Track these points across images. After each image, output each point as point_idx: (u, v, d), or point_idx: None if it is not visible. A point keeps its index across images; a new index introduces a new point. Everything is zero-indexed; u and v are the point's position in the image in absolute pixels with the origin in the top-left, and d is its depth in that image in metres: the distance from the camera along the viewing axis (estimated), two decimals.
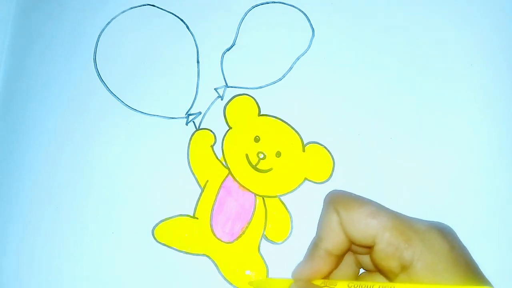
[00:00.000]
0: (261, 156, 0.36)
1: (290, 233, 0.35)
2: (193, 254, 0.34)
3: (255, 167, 0.36)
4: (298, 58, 0.37)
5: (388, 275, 0.29)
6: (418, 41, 0.37)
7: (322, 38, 0.38)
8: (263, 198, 0.35)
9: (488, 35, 0.37)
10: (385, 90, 0.36)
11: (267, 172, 0.35)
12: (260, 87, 0.37)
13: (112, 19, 0.39)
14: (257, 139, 0.36)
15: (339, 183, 0.35)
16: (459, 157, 0.35)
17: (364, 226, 0.27)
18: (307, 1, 0.38)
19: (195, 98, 0.37)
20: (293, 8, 0.38)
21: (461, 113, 0.36)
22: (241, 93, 0.37)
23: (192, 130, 0.36)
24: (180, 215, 0.35)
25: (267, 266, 0.34)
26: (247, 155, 0.36)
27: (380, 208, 0.28)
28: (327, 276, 0.30)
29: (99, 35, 0.38)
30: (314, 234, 0.34)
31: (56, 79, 0.38)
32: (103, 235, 0.35)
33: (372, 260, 0.29)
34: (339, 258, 0.30)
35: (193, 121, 0.37)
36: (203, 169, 0.36)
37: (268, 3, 0.38)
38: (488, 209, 0.34)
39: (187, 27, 0.38)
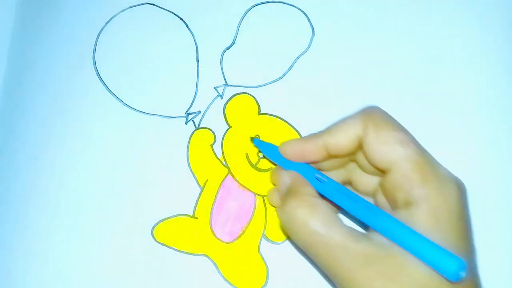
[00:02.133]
0: (261, 155, 0.35)
1: None
2: (193, 254, 0.34)
3: (255, 167, 0.35)
4: (298, 57, 0.37)
5: (391, 204, 0.28)
6: (418, 41, 0.37)
7: (322, 38, 0.38)
8: (263, 198, 0.35)
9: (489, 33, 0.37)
10: (385, 90, 0.36)
11: (267, 171, 0.35)
12: (260, 86, 0.37)
13: (112, 18, 0.39)
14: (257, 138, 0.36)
15: None
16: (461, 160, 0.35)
17: (388, 150, 0.27)
18: (307, 1, 0.38)
19: (194, 97, 0.37)
20: (293, 7, 0.38)
21: (463, 114, 0.36)
22: (241, 92, 0.37)
23: (192, 129, 0.36)
24: (180, 214, 0.35)
25: (267, 266, 0.34)
26: (247, 155, 0.36)
27: (411, 139, 0.27)
28: (312, 163, 0.30)
29: (98, 34, 0.38)
30: None
31: (55, 78, 0.38)
32: (102, 235, 0.35)
33: (381, 184, 0.28)
34: (329, 156, 0.30)
35: (192, 120, 0.36)
36: (203, 169, 0.35)
37: (268, 2, 0.38)
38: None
39: (187, 26, 0.38)
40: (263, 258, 0.34)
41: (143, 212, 0.35)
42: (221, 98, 0.37)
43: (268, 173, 0.35)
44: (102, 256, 0.34)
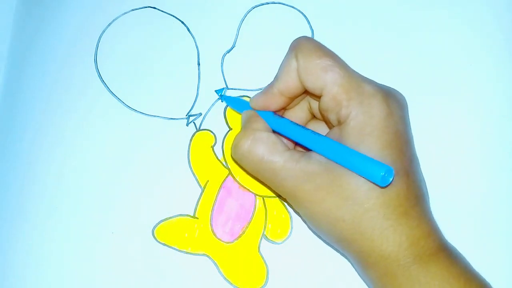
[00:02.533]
0: None
1: (290, 233, 0.35)
2: (193, 254, 0.35)
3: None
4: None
5: (328, 125, 0.32)
6: (419, 41, 0.38)
7: (321, 39, 0.38)
8: (263, 198, 0.35)
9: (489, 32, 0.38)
10: None
11: None
12: (260, 89, 0.37)
13: (113, 20, 0.39)
14: None
15: None
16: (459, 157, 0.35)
17: (316, 77, 0.29)
18: (307, 2, 0.38)
19: (195, 99, 0.37)
20: (293, 9, 0.38)
21: (464, 115, 0.36)
22: (242, 94, 0.37)
23: (193, 130, 0.37)
24: (180, 215, 0.35)
25: (267, 266, 0.34)
26: None
27: (336, 64, 0.29)
28: (278, 112, 0.33)
29: (100, 36, 0.39)
30: (313, 234, 0.34)
31: (57, 79, 0.38)
32: (103, 235, 0.35)
33: (319, 108, 0.31)
34: (290, 99, 0.32)
35: (193, 122, 0.37)
36: (204, 169, 0.36)
37: (267, 3, 0.39)
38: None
39: (188, 29, 0.39)
40: (263, 258, 0.34)
41: (144, 212, 0.35)
42: (222, 101, 0.37)
43: None
44: (103, 255, 0.35)
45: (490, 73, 0.37)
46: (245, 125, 0.32)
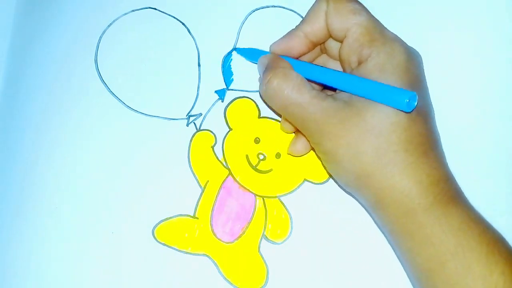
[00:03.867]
0: (261, 157, 0.36)
1: (290, 233, 0.35)
2: (193, 254, 0.35)
3: (255, 168, 0.36)
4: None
5: (345, 68, 0.33)
6: (418, 43, 0.38)
7: None
8: (263, 199, 0.35)
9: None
10: None
11: (267, 173, 0.36)
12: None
13: (114, 21, 0.39)
14: (257, 141, 0.36)
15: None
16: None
17: (343, 19, 0.31)
18: (307, 5, 0.38)
19: (196, 100, 0.37)
20: (293, 12, 0.39)
21: (465, 116, 0.37)
22: (242, 96, 0.37)
23: (193, 131, 0.37)
24: (181, 215, 0.35)
25: (267, 266, 0.34)
26: (247, 156, 0.36)
27: (364, 9, 0.31)
28: (297, 57, 0.34)
29: (100, 37, 0.39)
30: (314, 234, 0.34)
31: (57, 80, 0.38)
32: (103, 235, 0.35)
33: (339, 53, 0.32)
34: (313, 44, 0.33)
35: (194, 122, 0.37)
36: (204, 170, 0.36)
37: (268, 7, 0.39)
38: None
39: (188, 30, 0.39)
40: (263, 258, 0.34)
41: (144, 212, 0.35)
42: (222, 101, 0.37)
43: (268, 175, 0.36)
44: (103, 255, 0.35)
45: (491, 74, 0.37)
46: (272, 65, 0.32)
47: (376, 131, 0.29)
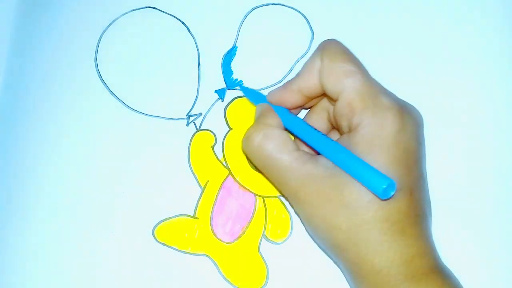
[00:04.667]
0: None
1: (290, 233, 0.35)
2: (193, 254, 0.35)
3: (255, 168, 0.36)
4: (297, 61, 0.38)
5: (339, 132, 0.32)
6: (418, 43, 0.38)
7: (321, 41, 0.38)
8: (263, 199, 0.35)
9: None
10: None
11: None
12: (260, 89, 0.37)
13: (113, 20, 0.39)
14: None
15: None
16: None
17: (336, 80, 0.30)
18: (307, 4, 0.39)
19: (195, 100, 0.37)
20: (293, 10, 0.39)
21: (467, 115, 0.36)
22: (242, 95, 0.37)
23: (193, 131, 0.37)
24: (181, 215, 0.35)
25: (267, 266, 0.34)
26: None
27: (358, 71, 0.30)
28: (294, 111, 0.34)
29: (100, 37, 0.39)
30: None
31: (57, 80, 0.38)
32: (103, 235, 0.35)
33: (333, 113, 0.31)
34: (307, 99, 0.33)
35: (193, 122, 0.37)
36: (204, 170, 0.36)
37: (268, 5, 0.39)
38: None
39: (188, 29, 0.39)
40: (263, 258, 0.34)
41: (144, 212, 0.35)
42: (222, 101, 0.37)
43: None
44: (103, 256, 0.35)
45: (492, 77, 0.37)
46: (258, 119, 0.32)
47: (351, 208, 0.28)
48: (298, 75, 0.32)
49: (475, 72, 0.37)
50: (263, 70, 0.38)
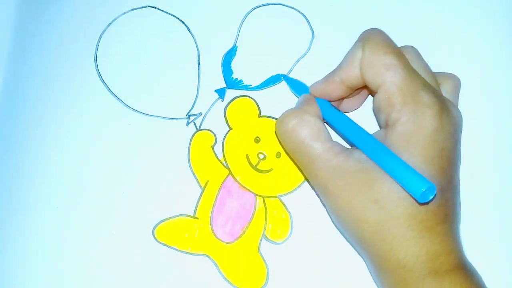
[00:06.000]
0: (262, 156, 0.36)
1: (290, 233, 0.35)
2: (193, 254, 0.35)
3: (255, 168, 0.36)
4: (298, 60, 0.38)
5: (378, 122, 0.32)
6: (418, 43, 0.38)
7: (322, 40, 0.38)
8: (263, 198, 0.35)
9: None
10: None
11: (267, 172, 0.36)
12: (260, 89, 0.37)
13: (114, 20, 0.39)
14: (257, 140, 0.36)
15: None
16: None
17: (376, 73, 0.29)
18: (307, 3, 0.38)
19: (195, 99, 0.37)
20: (293, 10, 0.39)
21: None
22: (242, 94, 0.37)
23: (193, 130, 0.37)
24: (181, 215, 0.35)
25: (267, 266, 0.34)
26: (247, 156, 0.36)
27: (400, 64, 0.29)
28: (337, 101, 0.33)
29: (100, 36, 0.39)
30: (314, 234, 0.34)
31: (57, 79, 0.38)
32: (103, 235, 0.35)
33: (373, 104, 0.31)
34: (350, 89, 0.32)
35: (193, 122, 0.37)
36: (204, 169, 0.36)
37: (268, 4, 0.39)
38: None
39: (188, 29, 0.39)
40: (263, 258, 0.34)
41: (144, 212, 0.35)
42: (222, 101, 0.37)
43: (269, 174, 0.36)
44: (103, 256, 0.35)
45: (492, 76, 0.37)
46: (298, 105, 0.32)
47: (380, 203, 0.28)
48: (340, 65, 0.31)
49: (475, 71, 0.37)
50: (263, 70, 0.38)
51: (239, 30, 0.38)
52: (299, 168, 0.33)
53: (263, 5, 0.39)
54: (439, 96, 0.29)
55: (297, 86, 0.36)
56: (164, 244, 0.35)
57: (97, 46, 0.39)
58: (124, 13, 0.39)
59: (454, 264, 0.28)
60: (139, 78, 0.38)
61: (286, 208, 0.35)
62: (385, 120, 0.29)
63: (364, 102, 0.35)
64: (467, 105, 0.36)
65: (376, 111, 0.30)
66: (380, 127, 0.32)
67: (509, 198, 0.35)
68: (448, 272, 0.28)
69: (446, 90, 0.32)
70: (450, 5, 0.38)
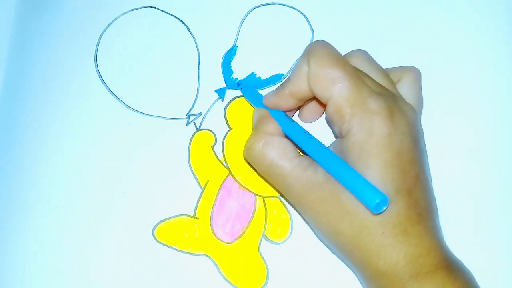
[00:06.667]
0: None
1: (290, 233, 0.35)
2: (193, 254, 0.35)
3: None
4: (298, 60, 0.38)
5: (333, 133, 0.33)
6: (418, 43, 0.38)
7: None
8: (263, 198, 0.35)
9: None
10: None
11: None
12: (260, 89, 0.37)
13: (113, 20, 0.39)
14: None
15: None
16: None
17: (324, 87, 0.29)
18: (307, 3, 0.38)
19: (195, 99, 0.37)
20: (293, 9, 0.39)
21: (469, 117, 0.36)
22: (242, 95, 0.37)
23: (193, 130, 0.37)
24: (181, 215, 0.35)
25: (267, 266, 0.34)
26: None
27: (346, 76, 0.29)
28: (291, 112, 0.34)
29: (100, 36, 0.39)
30: (314, 234, 0.34)
31: (57, 79, 0.38)
32: (103, 235, 0.35)
33: (325, 116, 0.31)
34: (301, 101, 0.32)
35: (193, 122, 0.37)
36: (204, 169, 0.36)
37: (268, 4, 0.39)
38: None
39: (188, 29, 0.39)
40: (263, 258, 0.34)
41: (144, 212, 0.35)
42: (222, 101, 0.37)
43: None
44: (103, 256, 0.35)
45: (492, 75, 0.37)
46: (258, 126, 0.32)
47: (351, 213, 0.28)
48: (288, 79, 0.32)
49: (475, 71, 0.37)
50: (263, 70, 0.38)
51: (239, 30, 0.38)
52: (275, 190, 0.34)
53: (263, 5, 0.39)
54: (388, 99, 0.29)
55: (252, 96, 0.36)
56: (164, 244, 0.35)
57: (97, 46, 0.39)
58: (124, 13, 0.39)
59: (435, 264, 0.28)
60: (139, 78, 0.38)
61: (286, 208, 0.35)
62: (339, 132, 0.30)
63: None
64: (467, 105, 0.36)
65: (330, 123, 0.31)
66: (335, 138, 0.32)
67: (509, 198, 0.35)
68: (430, 273, 0.28)
69: (405, 84, 0.32)
70: (450, 5, 0.38)
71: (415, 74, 0.32)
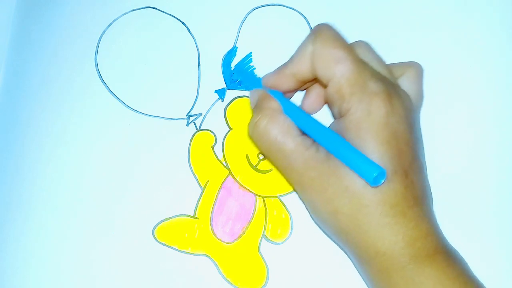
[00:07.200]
0: (261, 157, 0.36)
1: (290, 233, 0.35)
2: (193, 254, 0.35)
3: (255, 168, 0.36)
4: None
5: (332, 115, 0.33)
6: (418, 43, 0.38)
7: None
8: (263, 199, 0.35)
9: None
10: None
11: (267, 172, 0.36)
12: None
13: (114, 20, 0.39)
14: None
15: None
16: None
17: (326, 67, 0.30)
18: (307, 3, 0.39)
19: (196, 100, 0.37)
20: (293, 10, 0.39)
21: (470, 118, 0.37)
22: (242, 95, 0.37)
23: (193, 131, 0.37)
24: (181, 215, 0.35)
25: (267, 266, 0.34)
26: (247, 156, 0.36)
27: (349, 57, 0.29)
28: (289, 94, 0.34)
29: (100, 37, 0.39)
30: (314, 234, 0.34)
31: (57, 80, 0.38)
32: (103, 235, 0.35)
33: (325, 97, 0.32)
34: (301, 83, 0.32)
35: (193, 122, 0.37)
36: (204, 170, 0.36)
37: (268, 5, 0.39)
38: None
39: (188, 30, 0.39)
40: (263, 258, 0.34)
41: (144, 212, 0.35)
42: (222, 101, 0.37)
43: (269, 175, 0.36)
44: (104, 256, 0.35)
45: (492, 74, 0.37)
46: (261, 104, 0.32)
47: (350, 191, 0.29)
48: (291, 59, 0.32)
49: (475, 70, 0.37)
50: (263, 70, 0.37)
51: (239, 31, 0.39)
52: (276, 168, 0.34)
53: (263, 6, 0.39)
54: (388, 83, 0.30)
55: (249, 78, 0.36)
56: (164, 244, 0.35)
57: (97, 46, 0.39)
58: (124, 13, 0.39)
59: (433, 248, 0.29)
60: (139, 78, 0.38)
61: (286, 208, 0.35)
62: (338, 112, 0.30)
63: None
64: (467, 105, 0.37)
65: (329, 104, 0.31)
66: (334, 119, 0.32)
67: (509, 198, 0.35)
68: (428, 257, 0.28)
69: (407, 79, 0.32)
70: (450, 5, 0.38)
71: (418, 69, 0.33)
